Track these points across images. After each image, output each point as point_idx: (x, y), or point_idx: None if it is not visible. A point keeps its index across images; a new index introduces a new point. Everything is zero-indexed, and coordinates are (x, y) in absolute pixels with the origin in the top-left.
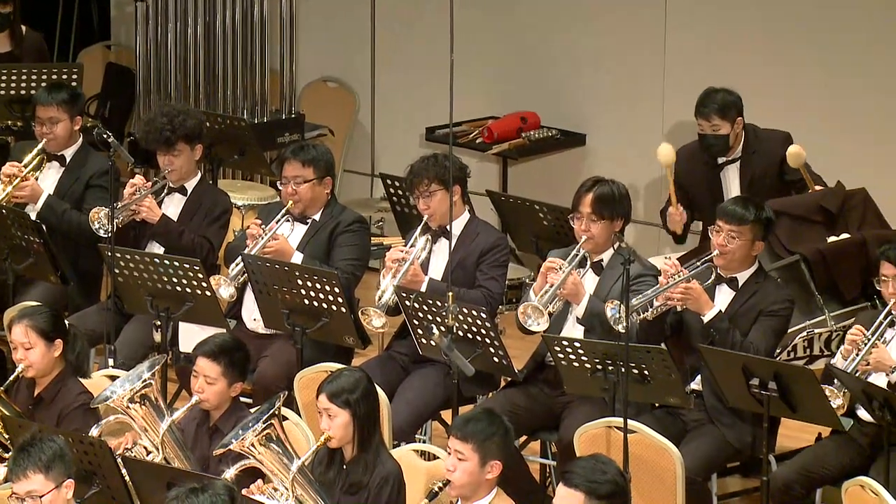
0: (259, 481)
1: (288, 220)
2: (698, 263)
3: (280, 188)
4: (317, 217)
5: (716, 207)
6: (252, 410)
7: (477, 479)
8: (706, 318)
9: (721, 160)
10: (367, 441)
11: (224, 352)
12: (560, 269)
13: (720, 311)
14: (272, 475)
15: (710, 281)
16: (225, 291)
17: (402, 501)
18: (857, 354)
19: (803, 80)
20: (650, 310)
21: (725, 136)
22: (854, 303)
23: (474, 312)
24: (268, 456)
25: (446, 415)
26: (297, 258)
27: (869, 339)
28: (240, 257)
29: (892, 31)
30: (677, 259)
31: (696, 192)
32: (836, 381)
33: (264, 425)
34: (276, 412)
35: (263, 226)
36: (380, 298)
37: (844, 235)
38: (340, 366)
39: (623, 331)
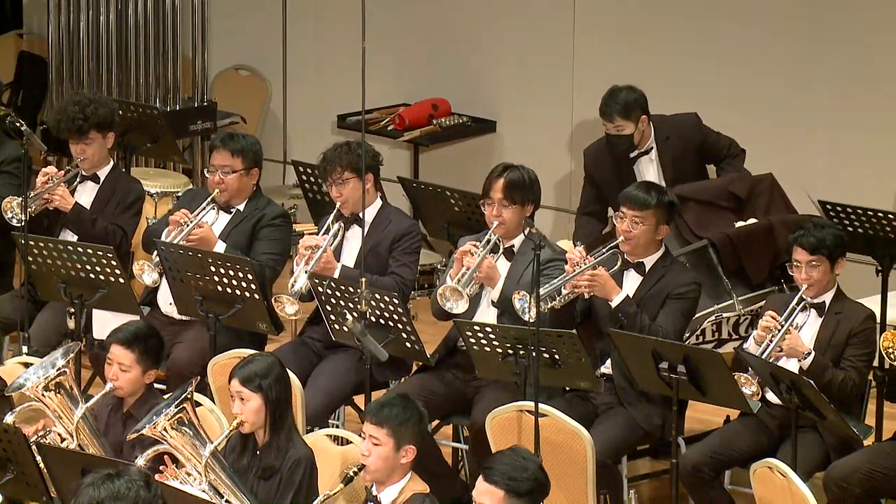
0: (172, 466)
1: (213, 209)
2: (604, 250)
3: (207, 176)
4: (241, 207)
5: None
6: (166, 396)
7: (391, 463)
8: (614, 304)
9: (632, 154)
10: (279, 425)
11: (138, 339)
12: (475, 252)
13: (627, 295)
14: (185, 460)
15: (616, 267)
16: (148, 277)
17: (314, 484)
18: (771, 341)
19: (708, 70)
20: (558, 298)
21: (629, 135)
22: (761, 287)
23: (387, 298)
24: (180, 440)
25: (359, 400)
26: (220, 247)
27: (782, 325)
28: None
29: (793, 18)
30: (583, 247)
31: (609, 186)
32: (750, 367)
33: (176, 409)
34: (189, 396)
35: (189, 213)
36: (293, 286)
37: (752, 220)
38: (254, 352)
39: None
